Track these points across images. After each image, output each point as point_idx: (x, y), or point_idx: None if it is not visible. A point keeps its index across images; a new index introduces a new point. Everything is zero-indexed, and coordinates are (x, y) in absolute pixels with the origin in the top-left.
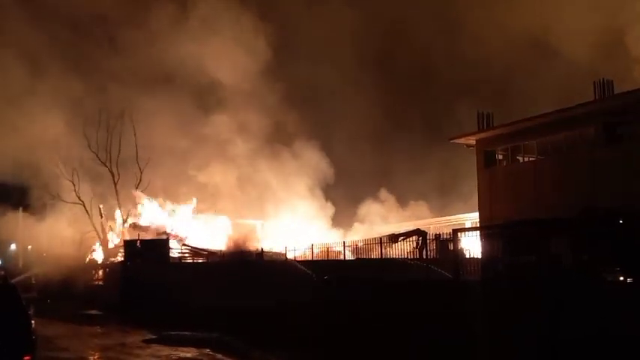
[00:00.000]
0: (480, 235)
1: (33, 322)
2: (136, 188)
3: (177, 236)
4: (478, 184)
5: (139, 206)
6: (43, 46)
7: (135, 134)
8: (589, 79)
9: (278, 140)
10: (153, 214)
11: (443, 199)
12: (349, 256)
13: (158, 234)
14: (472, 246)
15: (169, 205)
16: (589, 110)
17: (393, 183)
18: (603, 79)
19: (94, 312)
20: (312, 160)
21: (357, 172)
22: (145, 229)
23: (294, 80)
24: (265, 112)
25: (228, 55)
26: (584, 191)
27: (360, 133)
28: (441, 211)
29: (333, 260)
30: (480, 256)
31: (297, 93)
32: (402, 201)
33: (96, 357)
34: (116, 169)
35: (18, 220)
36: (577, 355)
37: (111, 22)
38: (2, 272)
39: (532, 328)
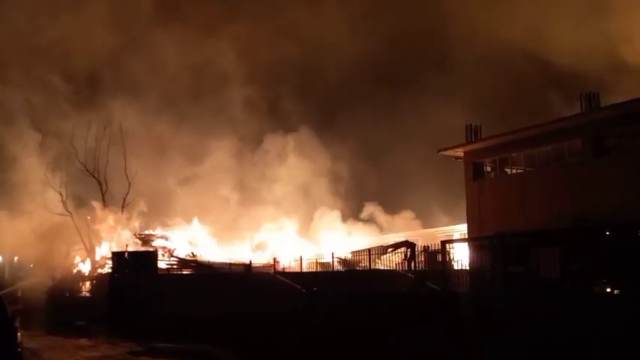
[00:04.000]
0: (469, 247)
1: (19, 334)
2: (124, 199)
3: (165, 247)
4: (466, 196)
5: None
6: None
7: (124, 145)
8: (576, 90)
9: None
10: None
11: (432, 211)
12: (338, 267)
13: (146, 244)
14: (461, 257)
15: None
16: (576, 122)
17: (382, 194)
18: (589, 91)
19: (81, 324)
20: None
21: (347, 183)
22: (134, 241)
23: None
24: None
25: None
26: (572, 203)
27: (351, 145)
28: (430, 222)
29: (322, 272)
30: (467, 268)
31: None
32: (391, 212)
33: None
34: (104, 179)
35: (4, 232)
36: None
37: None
38: None
39: (519, 336)
